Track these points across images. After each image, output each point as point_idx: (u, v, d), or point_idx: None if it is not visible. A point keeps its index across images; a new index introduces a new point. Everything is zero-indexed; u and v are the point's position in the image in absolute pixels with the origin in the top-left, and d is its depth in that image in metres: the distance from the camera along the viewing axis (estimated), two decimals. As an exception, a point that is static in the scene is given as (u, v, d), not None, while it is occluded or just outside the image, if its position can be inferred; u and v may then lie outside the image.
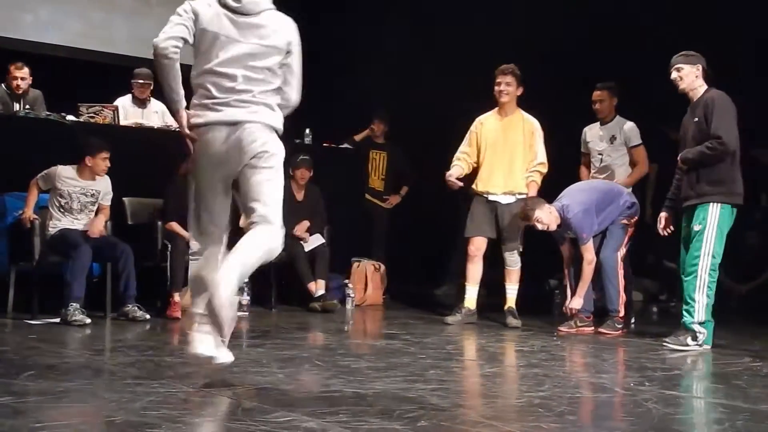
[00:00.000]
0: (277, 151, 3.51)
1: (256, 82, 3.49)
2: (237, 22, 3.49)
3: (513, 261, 6.06)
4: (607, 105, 6.29)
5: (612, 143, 6.29)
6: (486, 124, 6.13)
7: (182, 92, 3.50)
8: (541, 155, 6.05)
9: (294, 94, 3.62)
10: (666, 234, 5.36)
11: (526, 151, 6.04)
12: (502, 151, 6.03)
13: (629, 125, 6.29)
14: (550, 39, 7.89)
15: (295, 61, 3.59)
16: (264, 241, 3.42)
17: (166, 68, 3.44)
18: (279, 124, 3.56)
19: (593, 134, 6.39)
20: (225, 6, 3.49)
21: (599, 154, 6.32)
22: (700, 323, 5.00)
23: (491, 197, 6.06)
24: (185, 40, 3.47)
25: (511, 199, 6.02)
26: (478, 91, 6.53)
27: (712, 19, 7.36)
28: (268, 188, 3.46)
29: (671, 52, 5.25)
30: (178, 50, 3.42)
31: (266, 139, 3.48)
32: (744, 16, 7.35)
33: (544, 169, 6.06)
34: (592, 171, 6.36)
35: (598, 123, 6.39)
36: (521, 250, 6.06)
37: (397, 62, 8.92)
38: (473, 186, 6.13)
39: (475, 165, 6.13)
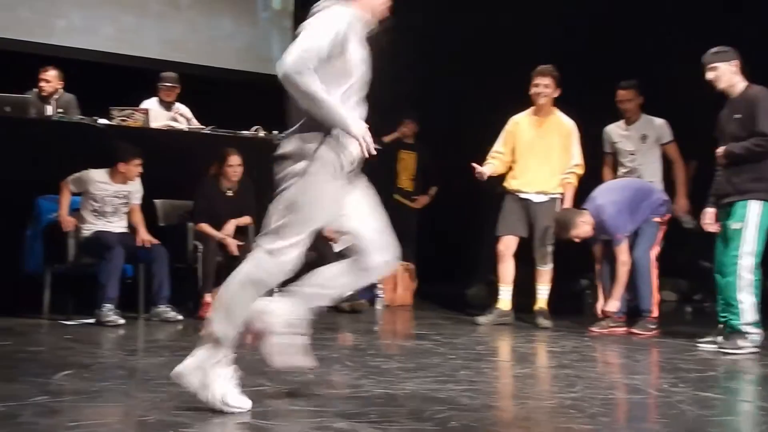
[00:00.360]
0: (286, 166, 3.09)
1: None
2: None
3: (545, 261, 6.03)
4: (635, 104, 6.24)
5: (644, 142, 6.22)
6: (521, 123, 6.10)
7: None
8: (578, 156, 6.02)
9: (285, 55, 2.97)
10: (712, 230, 5.22)
11: (561, 153, 6.01)
12: (537, 151, 6.01)
13: (660, 122, 6.23)
14: (580, 39, 7.86)
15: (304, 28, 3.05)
16: (241, 273, 3.10)
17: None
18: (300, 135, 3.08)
19: (618, 134, 6.31)
20: None
21: (630, 154, 6.24)
22: (752, 323, 4.91)
23: (523, 195, 6.03)
24: None
25: (543, 198, 6.00)
26: (502, 90, 6.52)
27: (717, 18, 7.28)
28: (273, 205, 3.13)
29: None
30: None
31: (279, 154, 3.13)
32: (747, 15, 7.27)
33: (581, 171, 6.04)
34: (622, 171, 6.28)
35: (622, 122, 6.31)
36: (553, 249, 6.03)
37: (417, 62, 8.91)
38: (505, 184, 6.11)
39: (509, 165, 6.11)
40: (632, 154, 6.24)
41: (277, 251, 3.06)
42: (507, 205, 6.07)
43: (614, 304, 5.70)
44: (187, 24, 9.21)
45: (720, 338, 5.02)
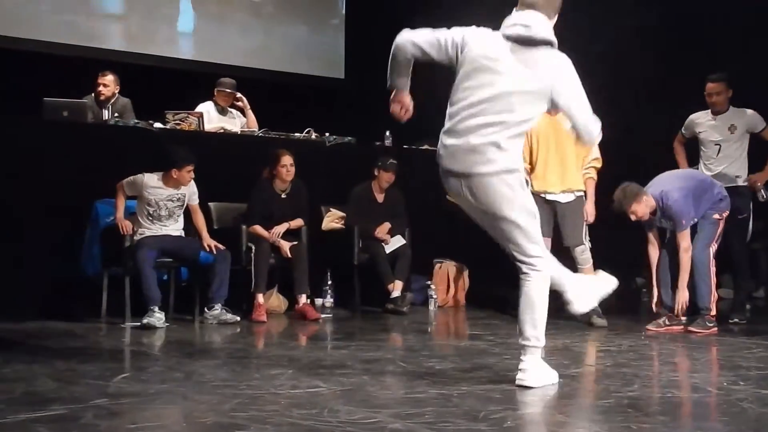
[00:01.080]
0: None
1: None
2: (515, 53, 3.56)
3: (584, 259, 5.95)
4: (724, 97, 6.18)
5: (732, 132, 6.15)
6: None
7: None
8: (595, 151, 5.97)
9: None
10: None
11: (578, 148, 5.95)
12: (555, 149, 5.96)
13: (750, 112, 6.19)
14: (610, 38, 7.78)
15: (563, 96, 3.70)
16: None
17: (395, 61, 3.65)
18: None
19: (704, 124, 6.25)
20: (507, 37, 3.57)
21: (716, 144, 6.18)
22: None
23: (550, 196, 5.97)
24: (422, 52, 3.62)
25: (570, 197, 5.95)
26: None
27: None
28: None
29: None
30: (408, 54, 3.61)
31: None
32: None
33: (599, 164, 6.03)
34: (707, 162, 6.20)
35: (708, 112, 6.25)
36: (590, 245, 5.96)
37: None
38: (529, 186, 6.04)
39: (529, 165, 6.05)
40: (717, 145, 6.17)
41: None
42: None
43: (684, 295, 5.56)
44: (248, 28, 9.32)
45: None
